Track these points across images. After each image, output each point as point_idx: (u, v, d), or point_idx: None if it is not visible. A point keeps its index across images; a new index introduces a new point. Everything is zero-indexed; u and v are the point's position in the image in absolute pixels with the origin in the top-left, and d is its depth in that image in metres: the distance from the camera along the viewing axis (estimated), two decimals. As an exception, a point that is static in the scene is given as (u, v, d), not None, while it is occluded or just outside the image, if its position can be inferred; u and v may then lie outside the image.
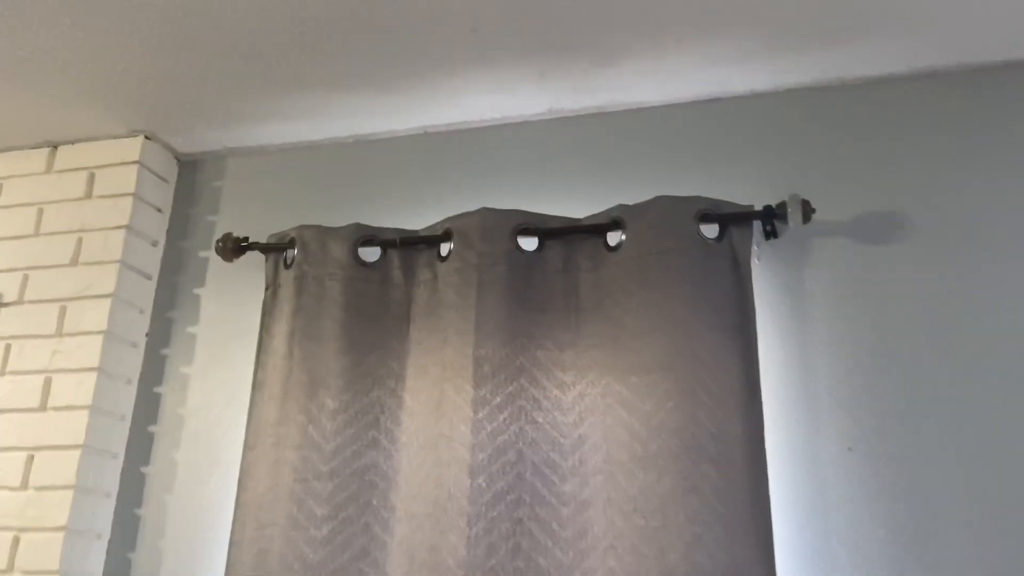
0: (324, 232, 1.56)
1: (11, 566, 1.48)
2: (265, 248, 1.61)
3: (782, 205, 1.35)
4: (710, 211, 1.38)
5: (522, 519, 1.32)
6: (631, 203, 1.43)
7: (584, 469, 1.34)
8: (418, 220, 1.59)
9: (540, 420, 1.37)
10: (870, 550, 1.24)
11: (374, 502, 1.40)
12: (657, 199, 1.41)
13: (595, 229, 1.44)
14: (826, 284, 1.38)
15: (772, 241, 1.41)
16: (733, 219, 1.38)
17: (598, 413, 1.35)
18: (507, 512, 1.32)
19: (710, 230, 1.38)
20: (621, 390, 1.33)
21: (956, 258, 1.35)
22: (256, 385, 1.52)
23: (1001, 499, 1.22)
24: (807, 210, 1.33)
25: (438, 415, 1.39)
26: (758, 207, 1.38)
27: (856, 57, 1.42)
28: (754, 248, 1.38)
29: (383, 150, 1.71)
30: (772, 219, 1.36)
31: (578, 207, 1.49)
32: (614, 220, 1.43)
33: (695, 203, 1.39)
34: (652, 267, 1.37)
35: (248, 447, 1.48)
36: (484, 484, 1.33)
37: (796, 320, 1.38)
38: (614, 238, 1.43)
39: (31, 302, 1.67)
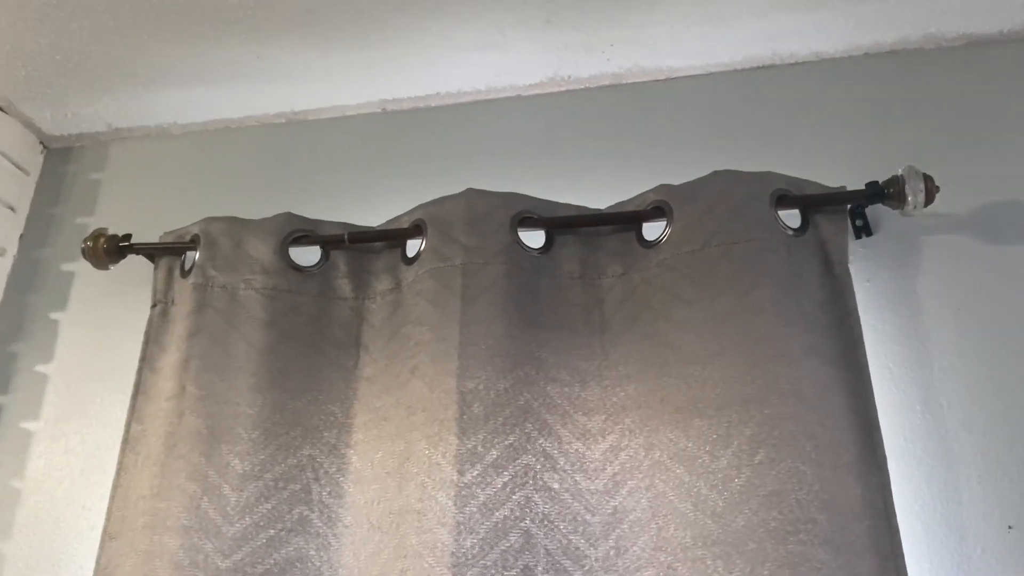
0: (241, 225, 1.11)
1: None
2: (155, 250, 1.14)
3: (893, 182, 0.98)
4: (789, 192, 1.00)
5: (534, 637, 0.85)
6: (676, 182, 1.04)
7: (624, 561, 0.89)
8: (375, 215, 1.15)
9: (556, 486, 0.92)
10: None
11: (302, 612, 0.91)
12: (716, 174, 1.02)
13: (626, 219, 1.04)
14: (946, 295, 1.01)
15: (864, 240, 1.04)
16: (821, 203, 1.00)
17: (642, 474, 0.91)
18: (511, 626, 0.85)
19: (791, 218, 1.00)
20: (677, 439, 0.90)
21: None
22: (127, 441, 1.03)
23: None
24: (930, 187, 0.96)
25: (402, 479, 0.93)
26: (866, 183, 1.00)
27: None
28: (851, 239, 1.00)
29: (329, 129, 1.29)
30: (880, 201, 0.98)
31: (596, 195, 1.09)
32: (654, 206, 1.03)
33: (770, 180, 1.01)
34: (714, 266, 0.97)
35: (109, 535, 0.98)
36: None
37: (911, 345, 0.99)
38: (653, 230, 1.03)
39: None
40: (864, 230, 1.03)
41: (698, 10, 1.11)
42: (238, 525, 0.93)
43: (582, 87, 1.23)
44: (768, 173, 1.01)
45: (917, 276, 1.01)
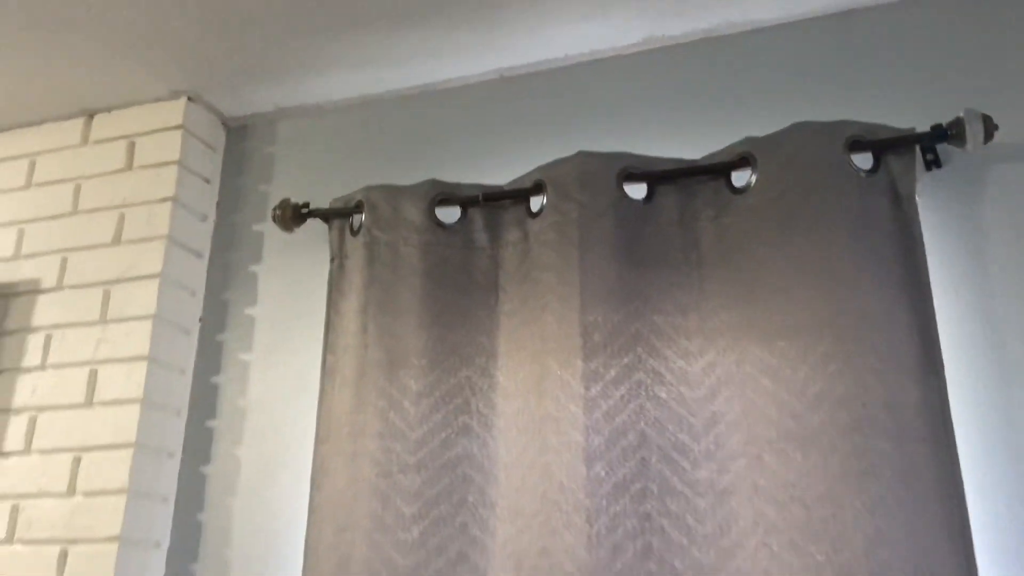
0: (396, 192, 1.35)
1: (77, 537, 1.31)
2: (328, 214, 1.41)
3: (956, 123, 1.10)
4: (862, 137, 1.15)
5: (651, 514, 1.10)
6: (760, 135, 1.20)
7: (722, 452, 1.12)
8: (502, 173, 1.37)
9: (664, 396, 1.15)
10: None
11: (470, 498, 1.20)
12: (795, 127, 1.17)
13: (717, 169, 1.22)
14: (1008, 221, 1.14)
15: (935, 172, 1.17)
16: (891, 145, 1.14)
17: (735, 385, 1.13)
18: (632, 506, 1.10)
19: (863, 160, 1.15)
20: (763, 356, 1.11)
21: None
22: (326, 370, 1.33)
23: None
24: (989, 127, 1.09)
25: (540, 394, 1.18)
26: (931, 126, 1.14)
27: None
28: (920, 174, 1.14)
29: (456, 98, 1.50)
30: (943, 141, 1.12)
31: (691, 147, 1.27)
32: (741, 156, 1.20)
33: (843, 128, 1.15)
34: (795, 209, 1.14)
35: (320, 440, 1.29)
36: (603, 473, 1.11)
37: (974, 265, 1.14)
38: (741, 178, 1.20)
39: (71, 287, 1.50)
40: (935, 163, 1.16)
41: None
42: (418, 431, 1.21)
43: (676, 43, 1.38)
44: (842, 122, 1.16)
45: (979, 205, 1.15)
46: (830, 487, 1.02)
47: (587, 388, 1.15)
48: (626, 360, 1.16)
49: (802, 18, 1.32)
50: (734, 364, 1.14)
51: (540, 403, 1.18)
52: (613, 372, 1.16)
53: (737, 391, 1.12)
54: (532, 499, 1.14)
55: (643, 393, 1.15)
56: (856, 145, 1.14)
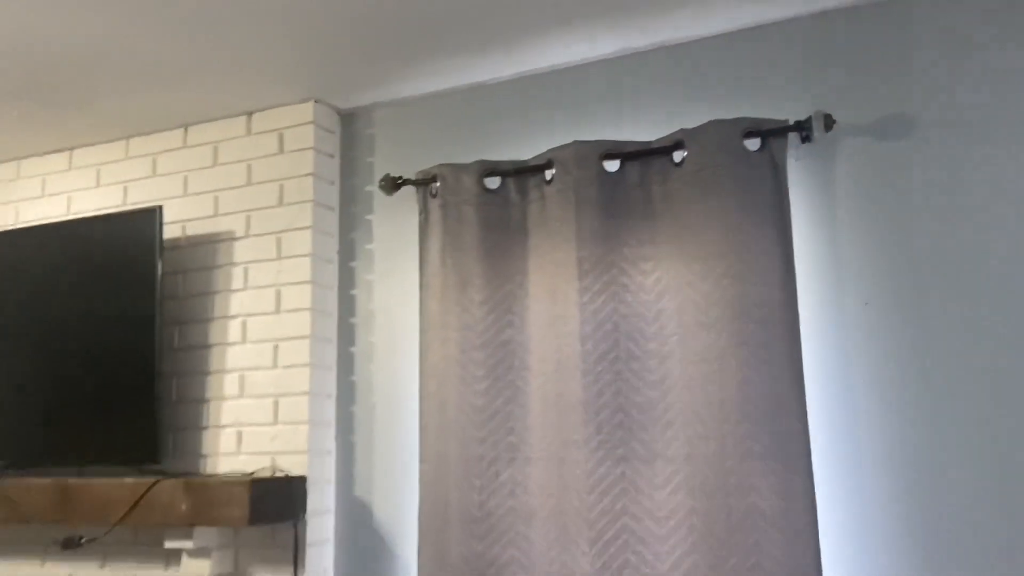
0: (457, 168, 2.05)
1: (276, 419, 2.17)
2: (415, 183, 2.12)
3: (808, 119, 1.70)
4: (753, 128, 1.75)
5: (621, 370, 1.84)
6: (690, 127, 1.81)
7: (663, 332, 1.82)
8: (527, 152, 2.04)
9: (629, 299, 1.85)
10: (882, 378, 1.67)
11: (515, 364, 1.96)
12: (711, 122, 1.78)
13: (663, 150, 1.85)
14: (847, 180, 1.74)
15: (808, 145, 1.77)
16: (772, 133, 1.74)
17: (671, 292, 1.82)
18: (608, 366, 1.84)
19: (753, 143, 1.76)
20: (688, 273, 1.79)
21: (960, 152, 1.66)
22: (422, 286, 2.08)
23: (997, 345, 1.60)
24: (828, 122, 1.68)
25: (554, 301, 1.90)
26: (794, 120, 1.73)
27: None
28: (792, 152, 1.75)
29: (497, 93, 2.15)
30: (801, 131, 1.71)
31: (648, 133, 1.90)
32: (677, 142, 1.83)
33: (741, 123, 1.76)
34: (708, 178, 1.77)
35: (422, 330, 2.06)
36: (590, 347, 1.84)
37: (826, 209, 1.75)
38: (678, 156, 1.84)
39: (256, 235, 2.28)
40: (807, 139, 1.76)
41: (698, 7, 1.80)
42: (481, 324, 1.96)
43: (636, 53, 1.97)
44: (741, 118, 1.76)
45: (828, 171, 1.74)
46: (721, 351, 1.72)
47: (580, 296, 1.86)
48: (605, 278, 1.86)
49: (721, 32, 1.88)
50: (672, 278, 1.82)
51: (553, 306, 1.91)
52: (597, 286, 1.86)
53: (673, 295, 1.81)
54: (550, 364, 1.89)
55: (616, 298, 1.85)
56: (749, 133, 1.75)
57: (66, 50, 1.96)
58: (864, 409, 1.69)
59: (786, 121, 1.74)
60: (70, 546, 2.19)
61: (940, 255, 1.66)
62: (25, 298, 2.35)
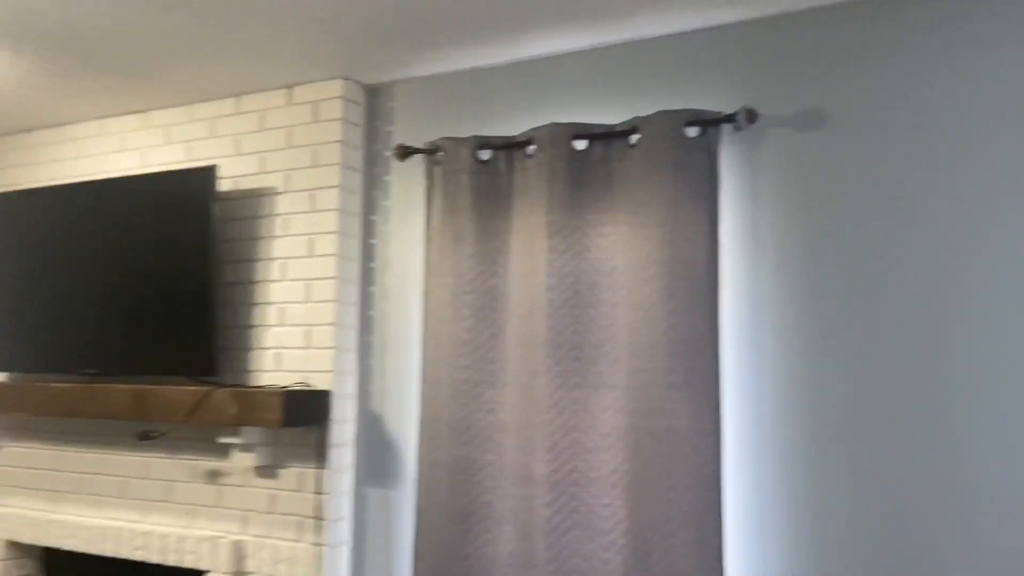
0: (456, 141, 2.44)
1: (308, 343, 2.65)
2: (422, 152, 2.53)
3: (736, 112, 2.04)
4: (693, 118, 2.10)
5: (578, 315, 2.25)
6: (643, 114, 2.17)
7: (614, 285, 2.22)
8: (514, 129, 2.42)
9: (588, 256, 2.25)
10: (784, 324, 2.05)
11: (496, 306, 2.38)
12: (659, 112, 2.14)
13: (621, 133, 2.21)
14: (767, 164, 2.08)
15: (739, 133, 2.11)
16: (709, 122, 2.09)
17: (622, 252, 2.20)
18: (569, 311, 2.25)
19: (693, 131, 2.11)
20: (634, 237, 2.17)
21: (868, 145, 1.99)
22: (427, 237, 2.51)
23: (874, 293, 1.96)
24: (752, 115, 2.02)
25: (529, 256, 2.31)
26: (727, 113, 2.08)
27: (800, -4, 2.01)
28: (724, 138, 2.10)
29: (490, 77, 2.52)
30: (731, 122, 2.06)
31: (612, 116, 2.26)
32: (632, 127, 2.19)
33: (683, 114, 2.11)
34: (654, 159, 2.14)
35: (427, 275, 2.50)
36: (555, 296, 2.25)
37: (750, 187, 2.11)
38: (633, 139, 2.20)
39: (293, 191, 2.74)
40: (739, 128, 2.10)
41: (653, 13, 2.14)
42: (470, 273, 2.39)
43: (606, 46, 2.32)
44: (684, 109, 2.11)
45: (753, 154, 2.09)
46: (654, 301, 2.11)
47: (549, 254, 2.26)
48: (570, 239, 2.26)
49: (672, 33, 2.22)
50: (622, 241, 2.20)
51: (527, 260, 2.31)
52: (563, 246, 2.26)
53: (623, 255, 2.20)
54: (524, 308, 2.31)
55: (578, 256, 2.25)
56: (690, 122, 2.10)
57: (143, 35, 2.41)
58: (768, 349, 2.07)
59: (720, 113, 2.09)
60: (145, 439, 2.74)
61: (841, 228, 2.01)
62: (109, 238, 2.87)
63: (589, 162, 2.27)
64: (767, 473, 2.05)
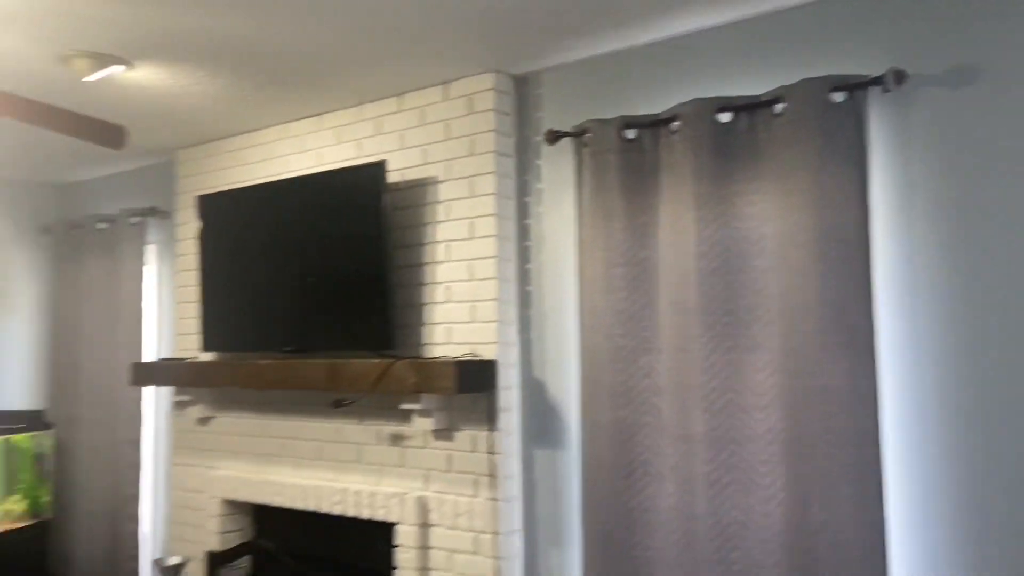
0: (603, 123, 2.59)
1: (473, 318, 2.90)
2: (571, 135, 2.69)
3: (881, 75, 2.06)
4: (839, 84, 2.14)
5: (730, 282, 2.35)
6: (787, 83, 2.23)
7: (764, 250, 2.30)
8: (658, 107, 2.54)
9: (736, 225, 2.34)
10: (939, 282, 2.06)
11: (648, 277, 2.52)
12: (803, 80, 2.19)
13: (766, 103, 2.28)
14: (924, 124, 2.09)
15: (887, 95, 2.13)
16: (855, 87, 2.12)
17: (771, 220, 2.28)
18: (720, 278, 2.35)
19: (840, 96, 2.15)
20: (784, 203, 2.24)
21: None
22: (578, 217, 2.68)
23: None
24: (900, 77, 2.04)
25: (678, 228, 2.43)
26: (873, 76, 2.10)
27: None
28: (872, 102, 2.12)
29: (632, 59, 2.64)
30: (878, 85, 2.08)
31: (754, 88, 2.33)
32: (777, 96, 2.25)
33: (828, 80, 2.15)
34: (801, 126, 2.19)
35: (579, 252, 2.67)
36: (706, 265, 2.36)
37: (901, 151, 2.12)
38: (778, 108, 2.26)
39: (453, 179, 2.97)
40: (887, 90, 2.12)
41: (798, -16, 2.18)
42: (621, 247, 2.53)
43: (745, 19, 2.37)
44: (829, 75, 2.15)
45: (903, 117, 2.10)
46: (805, 266, 2.18)
47: (697, 224, 2.37)
48: (717, 210, 2.35)
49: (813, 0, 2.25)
50: (771, 208, 2.28)
51: (676, 232, 2.43)
52: (710, 216, 2.36)
53: (772, 222, 2.28)
54: (674, 276, 2.44)
55: (727, 225, 2.35)
56: (836, 88, 2.14)
57: (316, 47, 2.71)
58: (923, 309, 2.09)
59: (867, 76, 2.11)
60: (339, 406, 3.10)
61: (999, 189, 1.99)
62: (298, 231, 3.23)
63: (734, 134, 2.35)
64: (928, 430, 2.08)
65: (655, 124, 2.50)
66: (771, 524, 2.24)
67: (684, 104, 2.41)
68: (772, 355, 2.27)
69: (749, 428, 2.30)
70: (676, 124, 2.44)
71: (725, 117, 2.36)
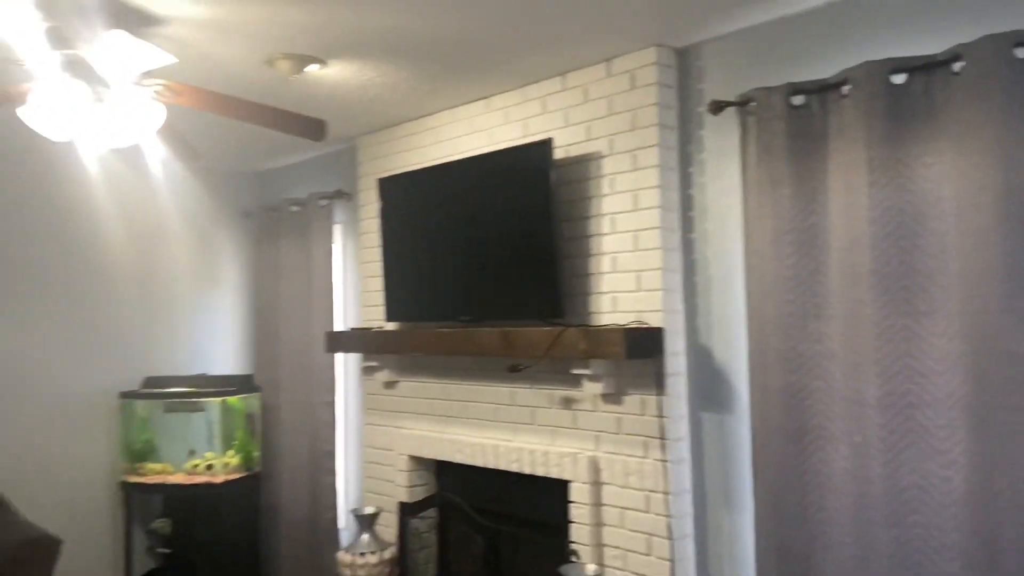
0: (768, 91, 2.60)
1: (639, 287, 3.01)
2: (735, 104, 2.72)
3: (1074, 28, 1.96)
4: (1022, 39, 2.06)
5: (904, 246, 2.32)
6: (965, 41, 2.16)
7: (942, 213, 2.26)
8: (826, 72, 2.52)
9: (912, 188, 2.31)
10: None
11: (817, 243, 2.53)
12: (984, 37, 2.12)
13: (944, 63, 2.22)
14: (1122, 72, 1.97)
15: (1080, 46, 2.03)
16: (1041, 40, 2.04)
17: (949, 181, 2.23)
18: (894, 243, 2.33)
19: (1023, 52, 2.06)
20: (962, 164, 2.19)
21: None
22: (743, 185, 2.71)
23: None
24: (1094, 28, 1.94)
25: (849, 193, 2.42)
26: (1065, 26, 2.00)
27: None
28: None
29: (796, 24, 2.63)
30: (1067, 38, 1.99)
31: (929, 48, 2.27)
32: (955, 55, 2.19)
33: (1011, 36, 2.07)
34: (982, 85, 2.13)
35: (745, 220, 2.71)
36: (879, 229, 2.35)
37: (1096, 101, 2.02)
38: (957, 67, 2.20)
39: (616, 154, 3.08)
40: (1080, 41, 2.02)
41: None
42: (789, 214, 2.55)
43: (930, -28, 2.31)
44: (1013, 31, 2.07)
45: (1100, 68, 1.99)
46: (987, 227, 2.12)
47: (870, 188, 2.35)
48: (891, 173, 2.33)
49: (1010, -54, 2.15)
50: (949, 169, 2.23)
51: (847, 197, 2.42)
52: (884, 179, 2.34)
53: (950, 184, 2.23)
54: (846, 242, 2.43)
55: (901, 188, 2.32)
56: (1020, 43, 2.06)
57: (483, 34, 2.89)
58: (1125, 272, 1.99)
59: (1058, 28, 2.02)
60: (514, 371, 3.33)
61: None
62: (472, 207, 3.46)
63: (908, 95, 2.31)
64: None
65: (823, 89, 2.48)
66: (952, 489, 2.22)
67: (854, 68, 2.38)
68: (951, 319, 2.24)
69: (928, 393, 2.28)
70: (846, 88, 2.42)
71: (899, 79, 2.31)
